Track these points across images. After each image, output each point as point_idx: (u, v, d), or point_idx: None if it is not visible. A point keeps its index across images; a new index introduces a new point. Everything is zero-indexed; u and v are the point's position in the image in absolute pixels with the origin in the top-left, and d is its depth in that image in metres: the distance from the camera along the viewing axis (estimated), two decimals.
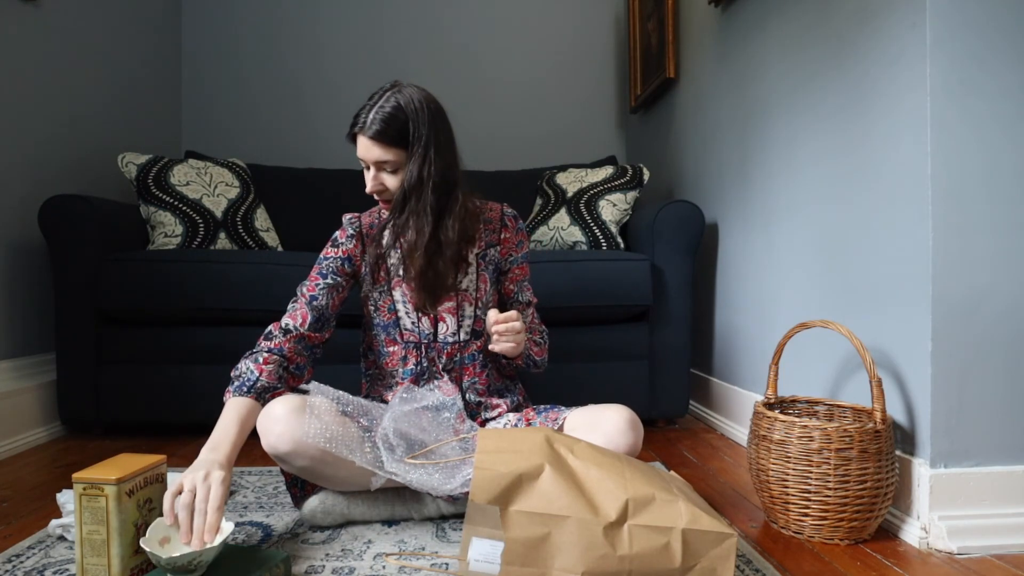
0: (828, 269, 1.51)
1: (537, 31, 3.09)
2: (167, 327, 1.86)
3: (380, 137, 1.23)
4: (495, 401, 1.38)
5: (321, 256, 1.36)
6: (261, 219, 2.18)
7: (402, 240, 1.32)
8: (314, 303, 1.30)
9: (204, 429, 1.91)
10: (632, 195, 2.23)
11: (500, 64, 3.07)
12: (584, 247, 2.18)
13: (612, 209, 2.20)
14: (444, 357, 1.34)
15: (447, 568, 1.08)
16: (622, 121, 3.17)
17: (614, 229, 2.18)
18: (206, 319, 1.85)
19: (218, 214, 2.07)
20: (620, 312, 1.96)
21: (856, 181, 1.40)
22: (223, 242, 2.06)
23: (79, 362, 1.82)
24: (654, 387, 1.98)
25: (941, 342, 1.18)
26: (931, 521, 1.17)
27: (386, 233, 1.35)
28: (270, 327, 1.26)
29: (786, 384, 1.61)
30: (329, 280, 1.33)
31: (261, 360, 1.19)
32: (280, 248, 2.20)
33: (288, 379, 1.22)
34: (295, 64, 2.98)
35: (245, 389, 1.15)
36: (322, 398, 1.21)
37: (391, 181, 1.27)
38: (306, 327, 1.27)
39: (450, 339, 1.34)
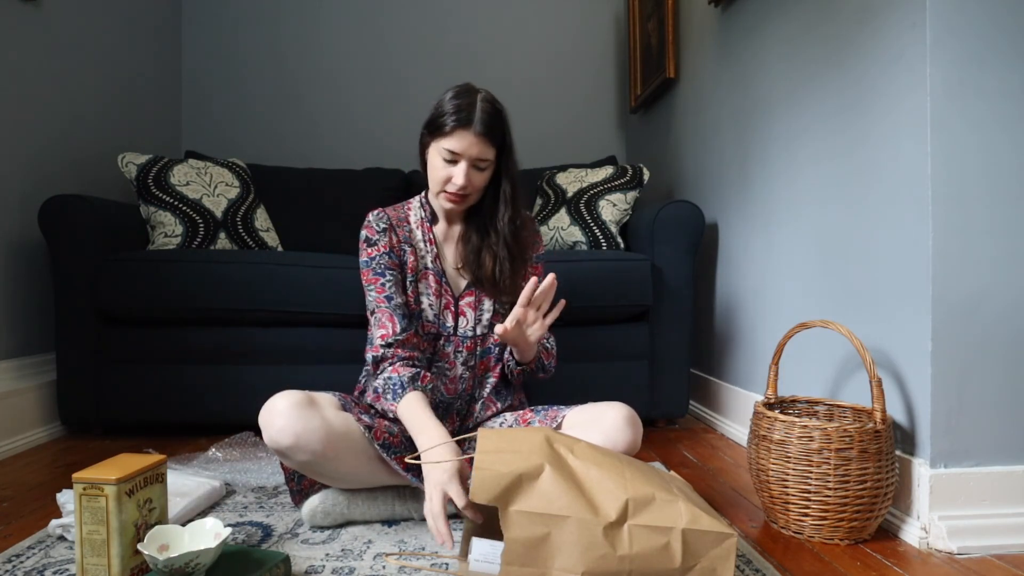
0: (828, 269, 1.51)
1: (537, 31, 3.09)
2: (167, 327, 1.86)
3: (487, 135, 1.25)
4: (494, 400, 1.40)
5: (365, 260, 1.34)
6: (261, 219, 2.18)
7: (468, 242, 1.35)
8: (393, 303, 1.30)
9: (204, 429, 1.92)
10: (632, 195, 2.23)
11: (500, 64, 3.07)
12: (584, 247, 2.18)
13: (612, 209, 2.20)
14: (464, 351, 1.36)
15: (447, 568, 1.08)
16: (622, 121, 3.17)
17: (614, 229, 2.18)
18: (206, 319, 1.85)
19: (218, 214, 2.07)
20: (620, 312, 1.96)
21: (856, 181, 1.40)
22: (223, 242, 2.06)
23: (79, 362, 1.82)
24: (654, 387, 1.98)
25: (941, 342, 1.18)
26: (931, 521, 1.17)
27: (414, 224, 1.38)
28: (369, 356, 1.27)
29: (786, 384, 1.61)
30: (389, 276, 1.32)
31: (390, 370, 1.23)
32: (280, 248, 2.20)
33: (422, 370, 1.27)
34: (295, 64, 2.98)
35: (400, 389, 1.20)
36: (324, 393, 1.22)
37: (478, 179, 1.28)
38: (400, 330, 1.28)
39: (469, 333, 1.37)
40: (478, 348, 1.38)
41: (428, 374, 1.25)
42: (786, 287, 1.70)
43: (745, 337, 1.94)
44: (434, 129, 1.27)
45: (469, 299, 1.38)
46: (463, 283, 1.39)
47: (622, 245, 2.19)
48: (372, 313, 1.31)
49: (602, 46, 3.14)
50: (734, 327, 2.01)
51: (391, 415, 1.23)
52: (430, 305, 1.35)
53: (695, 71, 2.35)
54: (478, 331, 1.38)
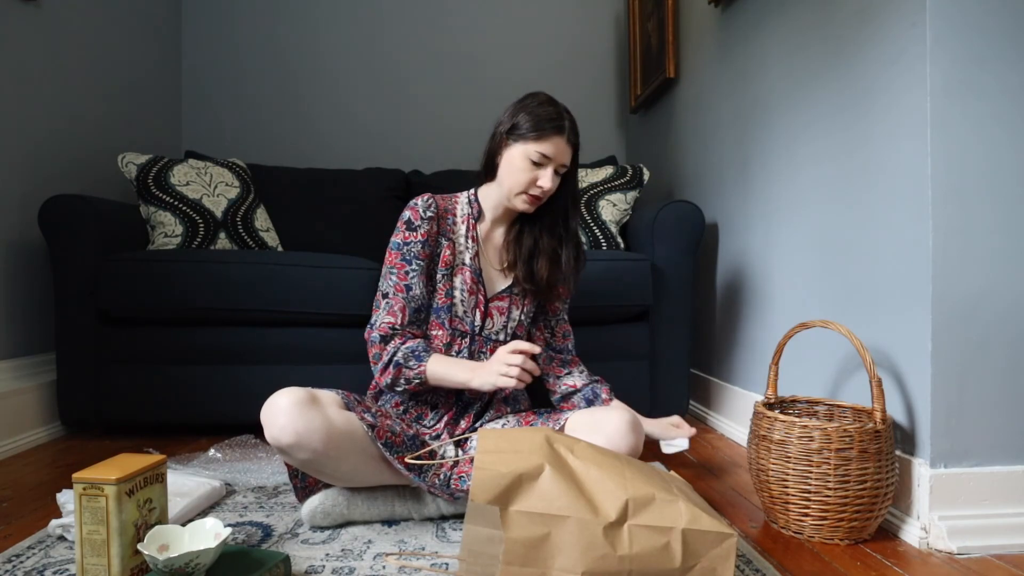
0: (828, 269, 1.51)
1: (537, 31, 3.09)
2: (167, 327, 1.86)
3: (574, 144, 1.33)
4: (504, 407, 1.42)
5: (398, 242, 1.33)
6: (261, 219, 2.18)
7: (520, 244, 1.39)
8: (410, 293, 1.31)
9: (204, 429, 1.92)
10: (632, 195, 2.23)
11: (500, 64, 3.07)
12: (584, 247, 2.18)
13: (612, 209, 2.20)
14: (488, 353, 1.38)
15: (447, 568, 1.08)
16: (622, 121, 3.17)
17: (614, 229, 2.18)
18: (206, 319, 1.85)
19: (218, 214, 2.07)
20: (620, 312, 1.96)
21: (856, 181, 1.40)
22: (223, 242, 2.06)
23: (79, 362, 1.82)
24: (654, 387, 1.98)
25: (941, 342, 1.18)
26: (931, 521, 1.17)
27: (459, 218, 1.39)
28: (376, 335, 1.29)
29: (786, 384, 1.61)
30: (416, 266, 1.31)
31: (397, 341, 1.28)
32: (280, 248, 2.20)
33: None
34: (295, 64, 2.98)
35: (424, 352, 1.27)
36: (327, 391, 1.22)
37: (556, 185, 1.33)
38: (407, 322, 1.30)
39: (494, 336, 1.38)
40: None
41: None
42: (786, 287, 1.70)
43: (745, 337, 1.94)
44: (524, 132, 1.30)
45: (500, 303, 1.39)
46: (499, 285, 1.40)
47: (622, 245, 2.19)
48: (385, 296, 1.31)
49: (602, 46, 3.14)
50: (734, 327, 2.01)
51: (416, 380, 1.26)
52: (462, 301, 1.36)
53: (695, 71, 2.35)
54: (503, 337, 1.39)
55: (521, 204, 1.33)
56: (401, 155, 2.91)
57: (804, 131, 1.60)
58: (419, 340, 1.29)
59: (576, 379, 1.49)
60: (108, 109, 2.34)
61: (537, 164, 1.29)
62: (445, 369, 1.26)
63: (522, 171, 1.30)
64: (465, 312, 1.36)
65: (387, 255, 1.33)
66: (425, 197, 1.35)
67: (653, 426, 1.46)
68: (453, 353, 1.36)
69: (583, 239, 2.17)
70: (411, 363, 1.26)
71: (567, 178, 1.37)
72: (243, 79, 2.96)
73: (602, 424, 1.22)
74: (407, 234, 1.32)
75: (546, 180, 1.29)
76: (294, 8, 2.98)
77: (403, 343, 1.28)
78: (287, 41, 2.98)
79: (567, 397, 1.48)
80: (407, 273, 1.31)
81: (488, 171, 1.38)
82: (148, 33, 2.64)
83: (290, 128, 2.98)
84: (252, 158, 2.82)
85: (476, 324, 1.37)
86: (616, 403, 1.46)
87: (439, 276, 1.35)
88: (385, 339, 1.28)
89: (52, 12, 2.03)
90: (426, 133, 2.99)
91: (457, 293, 1.35)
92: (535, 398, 1.56)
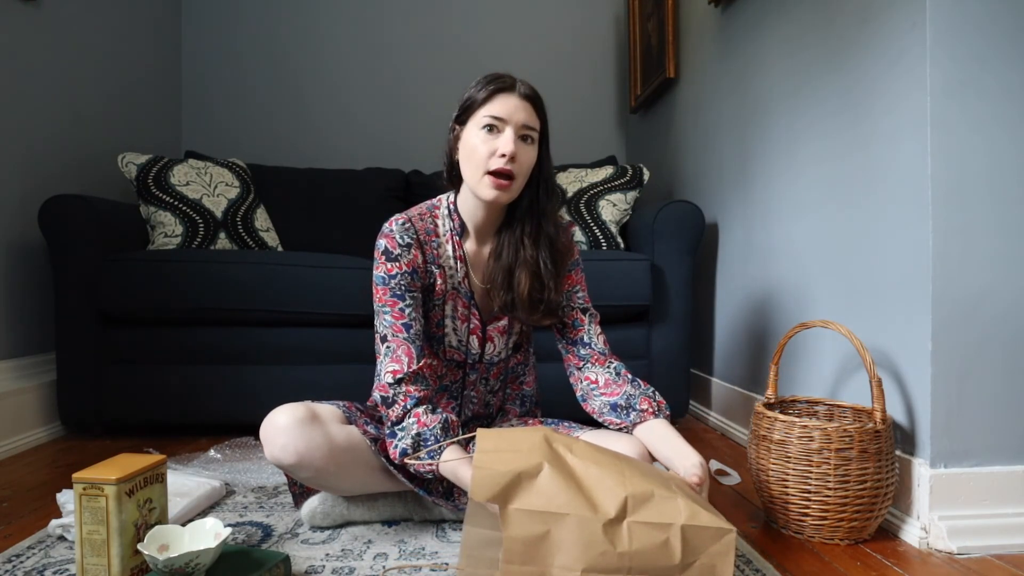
0: (828, 269, 1.51)
1: (537, 31, 3.09)
2: (167, 327, 1.86)
3: (532, 101, 1.15)
4: (514, 410, 1.40)
5: (381, 275, 1.16)
6: (261, 219, 2.18)
7: (499, 259, 1.21)
8: (411, 332, 1.15)
9: (204, 429, 1.92)
10: (632, 195, 2.23)
11: (500, 64, 3.03)
12: (584, 247, 2.18)
13: (612, 209, 2.20)
14: (491, 378, 1.32)
15: (447, 567, 1.08)
16: (622, 121, 3.17)
17: (614, 229, 2.18)
18: (206, 319, 1.85)
19: (218, 214, 2.07)
20: (620, 312, 1.96)
21: (857, 181, 1.40)
22: (223, 242, 2.06)
23: (79, 362, 1.82)
24: (654, 387, 1.97)
25: (941, 342, 1.18)
26: (931, 521, 1.17)
27: (443, 237, 1.22)
28: (377, 395, 1.15)
29: (786, 384, 1.61)
30: (409, 300, 1.16)
31: (413, 419, 1.10)
32: (280, 248, 2.20)
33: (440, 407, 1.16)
34: (295, 64, 2.98)
35: (435, 442, 1.09)
36: (327, 405, 1.20)
37: (525, 155, 1.14)
38: (416, 364, 1.13)
39: (496, 359, 1.30)
40: (505, 373, 1.34)
41: (454, 417, 1.14)
42: (786, 287, 1.70)
43: (745, 337, 1.93)
44: (467, 108, 1.15)
45: (500, 323, 1.27)
46: (495, 306, 1.25)
47: (622, 245, 2.19)
48: (384, 340, 1.15)
49: (602, 46, 3.14)
50: (734, 327, 2.01)
51: (428, 475, 1.11)
52: (454, 330, 1.24)
53: (695, 71, 2.35)
54: (504, 355, 1.31)
55: (487, 190, 1.12)
56: (401, 155, 2.91)
57: (804, 131, 1.60)
58: (433, 420, 1.10)
59: (600, 374, 1.24)
60: (108, 109, 2.34)
61: (492, 129, 1.11)
62: (459, 482, 1.07)
63: (477, 147, 1.11)
64: (460, 342, 1.24)
65: (374, 291, 1.17)
66: (400, 220, 1.18)
67: (673, 454, 1.13)
68: (447, 383, 1.28)
69: (582, 238, 2.17)
70: (420, 449, 1.09)
71: (537, 165, 1.18)
72: (243, 79, 2.96)
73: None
74: (389, 266, 1.15)
75: (506, 143, 1.10)
76: (294, 8, 2.98)
77: (415, 425, 1.10)
78: (287, 41, 2.98)
79: (587, 398, 1.25)
80: (402, 311, 1.15)
81: (452, 175, 1.23)
82: (148, 33, 2.64)
83: (290, 128, 2.98)
84: (252, 158, 2.82)
85: (475, 352, 1.26)
86: (657, 425, 1.20)
87: (433, 306, 1.22)
88: (388, 403, 1.12)
89: (52, 12, 2.03)
90: (426, 133, 2.98)
91: (448, 322, 1.23)
92: (545, 408, 1.53)
